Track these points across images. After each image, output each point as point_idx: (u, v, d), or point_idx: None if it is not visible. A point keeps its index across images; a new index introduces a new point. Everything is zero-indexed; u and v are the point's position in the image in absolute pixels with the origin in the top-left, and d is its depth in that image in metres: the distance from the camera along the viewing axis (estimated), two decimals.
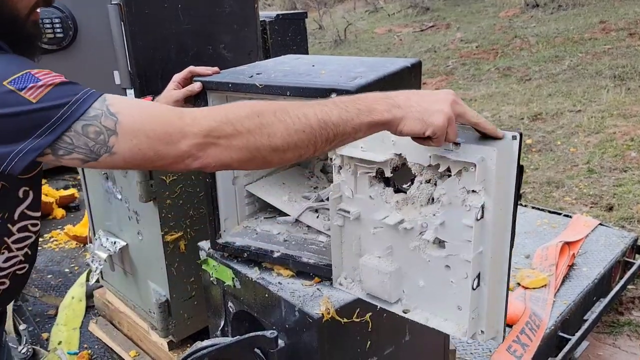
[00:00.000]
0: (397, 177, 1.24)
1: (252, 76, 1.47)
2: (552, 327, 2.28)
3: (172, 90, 1.51)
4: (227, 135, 0.86)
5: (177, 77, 1.53)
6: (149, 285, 2.10)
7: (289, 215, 1.70)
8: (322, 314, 1.40)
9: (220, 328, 1.81)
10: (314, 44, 13.06)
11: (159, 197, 1.89)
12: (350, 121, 0.92)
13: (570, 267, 2.68)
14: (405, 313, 1.26)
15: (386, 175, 1.21)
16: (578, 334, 2.31)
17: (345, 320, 1.45)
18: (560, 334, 2.31)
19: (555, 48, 9.47)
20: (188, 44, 1.98)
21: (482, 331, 1.17)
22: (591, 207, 4.22)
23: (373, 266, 1.26)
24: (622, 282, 2.75)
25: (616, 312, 2.94)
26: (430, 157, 1.11)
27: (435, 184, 1.15)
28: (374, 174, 1.23)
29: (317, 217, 1.68)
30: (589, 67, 8.31)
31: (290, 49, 3.44)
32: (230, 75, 1.51)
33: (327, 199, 1.75)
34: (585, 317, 2.50)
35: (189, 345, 2.17)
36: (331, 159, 1.29)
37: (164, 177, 1.89)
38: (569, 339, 2.29)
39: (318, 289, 1.52)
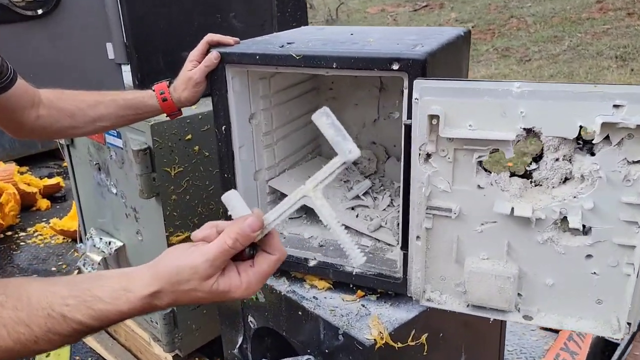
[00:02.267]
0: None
1: (282, 46, 1.19)
2: None
3: (189, 71, 1.23)
4: None
5: (194, 54, 1.25)
6: None
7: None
8: (375, 339, 1.15)
9: (238, 345, 1.55)
10: None
11: (163, 192, 1.61)
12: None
13: None
14: (528, 320, 1.04)
15: (507, 157, 0.96)
16: (627, 338, 2.09)
17: (400, 345, 1.20)
18: (608, 338, 2.09)
19: (553, 28, 9.24)
20: (193, 12, 1.69)
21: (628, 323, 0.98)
22: None
23: (487, 271, 1.02)
24: None
25: None
26: (580, 126, 0.89)
27: (570, 160, 0.92)
28: (486, 157, 0.98)
29: (357, 216, 1.41)
30: (589, 48, 8.10)
31: (290, 25, 3.15)
32: (256, 45, 1.23)
33: (364, 194, 1.49)
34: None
35: (197, 359, 1.92)
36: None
37: (169, 169, 1.61)
38: (617, 344, 2.08)
39: (363, 305, 1.27)
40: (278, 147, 1.47)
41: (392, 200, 1.48)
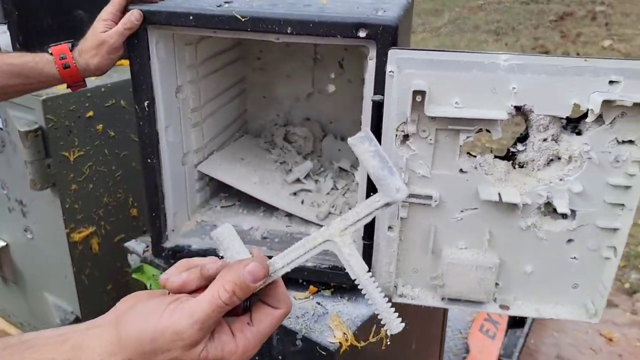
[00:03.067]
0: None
1: (220, 5, 0.99)
2: None
3: (102, 33, 0.98)
4: None
5: (108, 12, 0.99)
6: (47, 298, 1.55)
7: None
8: (339, 342, 1.03)
9: None
10: None
11: (60, 181, 1.34)
12: None
13: None
14: (505, 309, 0.98)
15: (495, 137, 0.85)
16: None
17: (362, 343, 1.09)
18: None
19: (434, 1, 9.60)
20: None
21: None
22: None
23: (467, 262, 0.93)
24: None
25: None
26: (574, 104, 0.82)
27: (556, 140, 0.86)
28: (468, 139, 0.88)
29: (302, 202, 1.27)
30: (467, 22, 8.54)
31: None
32: (187, 3, 1.01)
33: (305, 177, 1.34)
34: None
35: None
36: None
37: (66, 154, 1.33)
38: None
39: (318, 303, 1.14)
40: (206, 126, 1.26)
41: (335, 182, 1.35)
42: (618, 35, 7.13)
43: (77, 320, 1.50)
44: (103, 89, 1.37)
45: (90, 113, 1.36)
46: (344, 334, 1.05)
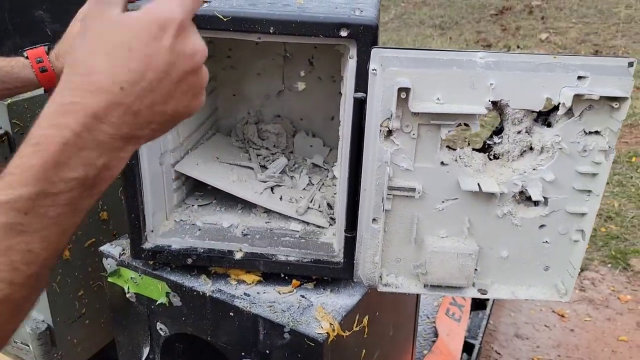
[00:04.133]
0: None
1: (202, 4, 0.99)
2: None
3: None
4: None
5: (83, 12, 0.97)
6: None
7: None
8: (327, 332, 1.06)
9: (144, 358, 1.34)
10: None
11: None
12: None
13: None
14: (483, 293, 1.04)
15: (473, 131, 0.90)
16: None
17: (347, 333, 1.13)
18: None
19: None
20: None
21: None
22: None
23: (448, 250, 0.97)
24: None
25: None
26: (546, 98, 0.88)
27: (529, 132, 0.91)
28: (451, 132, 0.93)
29: (281, 198, 1.28)
30: (413, 17, 8.72)
31: None
32: None
33: (283, 173, 1.36)
34: None
35: None
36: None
37: None
38: None
39: (302, 296, 1.16)
40: (181, 125, 1.26)
41: (310, 178, 1.38)
42: (554, 29, 7.48)
43: (48, 330, 1.46)
44: None
45: None
46: (331, 324, 1.08)
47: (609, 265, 3.02)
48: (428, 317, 2.03)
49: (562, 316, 2.66)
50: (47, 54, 0.98)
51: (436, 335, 1.91)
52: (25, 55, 0.97)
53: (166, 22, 0.45)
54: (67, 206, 0.44)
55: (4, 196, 0.41)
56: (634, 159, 4.01)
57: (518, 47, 6.70)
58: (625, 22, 7.14)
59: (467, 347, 1.96)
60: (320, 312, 1.11)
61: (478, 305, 2.25)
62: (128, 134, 0.46)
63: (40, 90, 1.06)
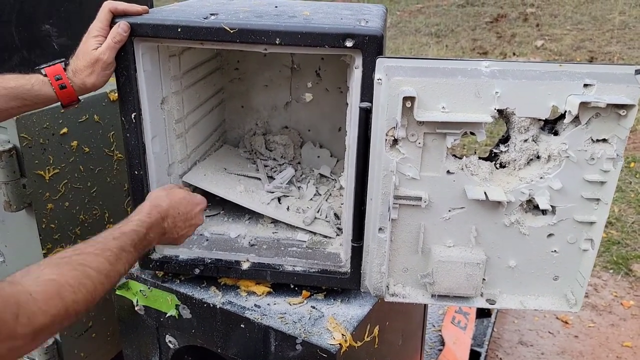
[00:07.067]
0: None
1: (207, 17, 1.00)
2: None
3: (94, 50, 0.97)
4: (59, 322, 0.75)
5: (97, 27, 0.98)
6: None
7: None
8: (339, 343, 1.06)
9: None
10: None
11: (36, 201, 1.30)
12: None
13: None
14: (491, 303, 1.03)
15: (478, 140, 0.91)
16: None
17: (359, 343, 1.13)
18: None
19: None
20: None
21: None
22: None
23: (456, 259, 0.97)
24: None
25: None
26: (553, 106, 0.89)
27: (535, 141, 0.92)
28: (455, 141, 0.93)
29: (288, 208, 1.29)
30: (408, 25, 8.78)
31: None
32: (174, 15, 1.01)
33: (290, 183, 1.37)
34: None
35: None
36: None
37: (42, 173, 1.30)
38: None
39: (313, 307, 1.17)
40: (189, 136, 1.27)
41: (317, 188, 1.39)
42: (549, 36, 7.53)
43: (55, 344, 1.46)
44: (76, 105, 1.34)
45: (64, 130, 1.33)
46: (343, 335, 1.08)
47: (611, 270, 3.02)
48: (434, 326, 2.03)
49: (566, 322, 2.66)
50: (64, 70, 0.99)
51: (442, 343, 1.91)
52: (44, 73, 0.98)
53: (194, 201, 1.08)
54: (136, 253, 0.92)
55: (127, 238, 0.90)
56: (632, 165, 4.03)
57: (514, 54, 6.74)
58: (619, 29, 7.21)
59: (473, 355, 1.95)
60: (332, 323, 1.11)
61: (483, 312, 2.25)
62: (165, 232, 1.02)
63: (50, 105, 1.07)
